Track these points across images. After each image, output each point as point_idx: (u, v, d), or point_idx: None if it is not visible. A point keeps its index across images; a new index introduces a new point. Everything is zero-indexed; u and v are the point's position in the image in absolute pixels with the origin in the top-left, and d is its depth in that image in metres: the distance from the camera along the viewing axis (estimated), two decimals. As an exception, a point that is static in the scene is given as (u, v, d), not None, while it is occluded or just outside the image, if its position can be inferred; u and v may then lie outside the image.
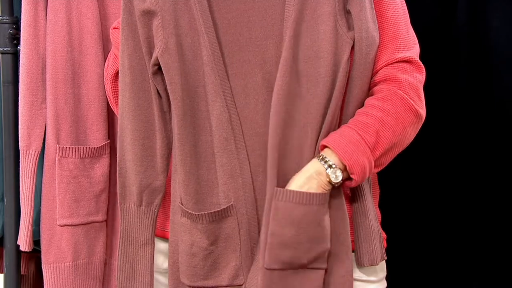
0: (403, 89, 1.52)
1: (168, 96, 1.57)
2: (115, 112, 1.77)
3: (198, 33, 1.53)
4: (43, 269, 1.93)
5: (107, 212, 2.00)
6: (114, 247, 2.00)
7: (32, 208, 1.91)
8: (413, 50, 1.58)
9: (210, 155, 1.54)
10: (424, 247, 2.21)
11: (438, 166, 2.19)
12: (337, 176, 1.47)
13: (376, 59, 1.55)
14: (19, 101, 1.90)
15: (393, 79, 1.54)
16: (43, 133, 1.91)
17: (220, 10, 1.54)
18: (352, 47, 1.52)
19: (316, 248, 1.46)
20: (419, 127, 1.57)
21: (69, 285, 1.94)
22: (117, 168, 1.62)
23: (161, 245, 1.69)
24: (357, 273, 1.60)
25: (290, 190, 1.46)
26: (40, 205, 1.93)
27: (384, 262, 1.65)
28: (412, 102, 1.52)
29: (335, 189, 1.50)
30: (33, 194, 1.91)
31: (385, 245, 1.64)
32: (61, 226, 1.92)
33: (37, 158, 1.91)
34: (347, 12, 1.52)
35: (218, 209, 1.53)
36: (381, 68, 1.55)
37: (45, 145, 1.91)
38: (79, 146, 1.93)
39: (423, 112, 1.55)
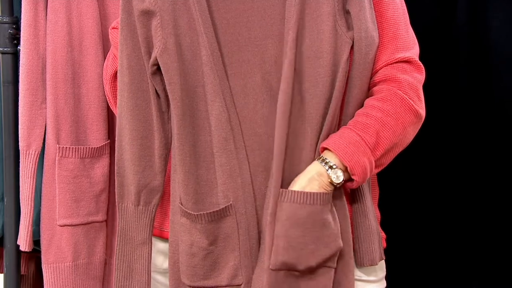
0: (402, 89, 1.52)
1: (166, 96, 1.57)
2: (114, 112, 1.77)
3: (197, 33, 1.53)
4: (43, 269, 1.94)
5: (107, 212, 2.00)
6: (114, 247, 2.00)
7: (32, 208, 1.91)
8: (413, 50, 1.58)
9: (209, 155, 1.54)
10: (423, 247, 2.21)
11: (438, 166, 2.19)
12: (338, 177, 1.47)
13: (375, 59, 1.55)
14: (19, 101, 1.90)
15: (393, 79, 1.54)
16: (43, 133, 1.91)
17: (219, 10, 1.54)
18: (352, 47, 1.52)
19: (323, 249, 1.46)
20: (419, 127, 1.57)
21: (69, 285, 1.94)
22: (115, 168, 1.62)
23: (159, 245, 1.69)
24: (357, 273, 1.60)
25: (294, 191, 1.46)
26: (40, 205, 1.93)
27: (383, 262, 1.65)
28: (412, 102, 1.52)
29: (336, 190, 1.49)
30: (33, 194, 1.91)
31: (385, 245, 1.65)
32: (61, 226, 1.92)
33: (37, 158, 1.91)
34: (347, 12, 1.52)
35: (217, 209, 1.53)
36: (381, 68, 1.55)
37: (45, 145, 1.92)
38: (79, 146, 1.93)
39: (423, 112, 1.55)
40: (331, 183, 1.47)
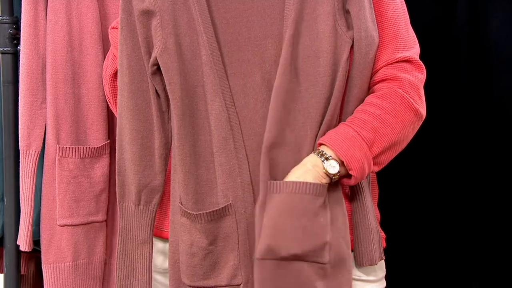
0: (403, 87, 1.52)
1: (166, 95, 1.57)
2: (113, 111, 1.77)
3: (197, 32, 1.53)
4: (43, 269, 1.94)
5: (107, 212, 2.00)
6: (114, 247, 2.00)
7: (32, 208, 1.91)
8: (413, 50, 1.58)
9: (209, 155, 1.54)
10: (423, 247, 2.21)
11: (438, 166, 2.19)
12: (333, 167, 1.46)
13: (376, 58, 1.55)
14: (19, 101, 1.90)
15: (394, 78, 1.54)
16: (43, 133, 1.91)
17: (219, 10, 1.54)
18: (352, 47, 1.52)
19: (310, 239, 1.43)
20: (419, 126, 1.57)
21: (69, 285, 1.94)
22: (116, 167, 1.62)
23: (159, 245, 1.69)
24: (357, 273, 1.60)
25: (283, 181, 1.45)
26: (40, 205, 1.93)
27: (383, 262, 1.65)
28: (412, 101, 1.52)
29: (334, 186, 1.49)
30: (33, 194, 1.91)
31: (384, 244, 1.64)
32: (61, 226, 1.92)
33: (37, 158, 1.91)
34: (346, 12, 1.52)
35: (217, 208, 1.53)
36: (381, 68, 1.55)
37: (45, 145, 1.92)
38: (79, 146, 1.93)
39: (423, 111, 1.55)
40: (327, 174, 1.47)
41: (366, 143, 1.47)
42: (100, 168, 1.96)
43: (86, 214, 1.94)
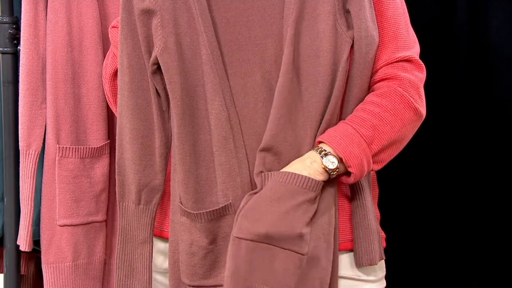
0: (403, 86, 1.53)
1: (167, 95, 1.57)
2: (113, 111, 1.77)
3: (197, 32, 1.53)
4: (43, 269, 1.94)
5: (107, 212, 2.00)
6: (114, 247, 2.00)
7: (32, 208, 1.91)
8: (413, 50, 1.58)
9: (209, 154, 1.54)
10: (423, 246, 2.21)
11: (438, 166, 2.19)
12: (332, 163, 1.46)
13: (376, 58, 1.55)
14: (19, 101, 1.90)
15: (394, 77, 1.54)
16: (43, 133, 1.91)
17: (219, 9, 1.55)
18: (352, 46, 1.52)
19: (286, 225, 1.41)
20: (419, 125, 1.57)
21: (69, 285, 1.94)
22: (116, 167, 1.62)
23: (160, 245, 1.69)
24: (357, 273, 1.59)
25: (276, 172, 1.46)
26: (40, 205, 1.93)
27: (383, 262, 1.65)
28: (412, 100, 1.52)
29: (329, 188, 1.49)
30: (33, 194, 1.91)
31: (384, 244, 1.64)
32: (61, 226, 1.92)
33: (37, 158, 1.91)
34: (347, 11, 1.52)
35: (216, 208, 1.53)
36: (381, 67, 1.56)
37: (45, 145, 1.92)
38: (79, 146, 1.93)
39: (423, 110, 1.55)
40: (325, 170, 1.47)
41: (365, 140, 1.47)
42: (100, 168, 1.96)
43: (86, 214, 1.94)
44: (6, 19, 1.94)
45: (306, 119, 1.50)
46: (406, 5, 1.61)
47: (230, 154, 1.52)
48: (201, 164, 1.55)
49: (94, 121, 1.94)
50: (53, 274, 1.93)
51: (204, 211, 1.54)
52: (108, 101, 1.78)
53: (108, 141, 1.97)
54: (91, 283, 1.98)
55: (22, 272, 2.06)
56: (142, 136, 1.58)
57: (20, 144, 1.90)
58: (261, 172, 1.48)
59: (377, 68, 1.56)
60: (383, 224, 1.68)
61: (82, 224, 1.94)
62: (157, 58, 1.54)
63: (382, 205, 1.71)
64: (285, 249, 1.42)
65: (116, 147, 1.62)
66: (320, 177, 1.46)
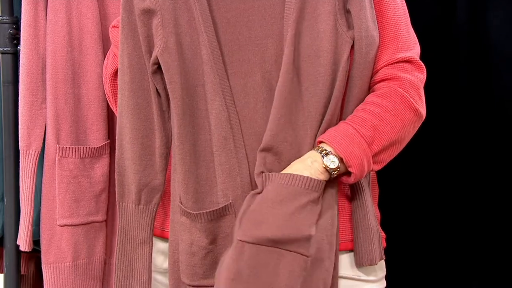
0: (403, 87, 1.53)
1: (167, 95, 1.57)
2: (113, 110, 1.77)
3: (197, 32, 1.53)
4: (43, 269, 1.94)
5: (107, 212, 2.00)
6: (114, 247, 2.00)
7: (32, 208, 1.91)
8: (414, 50, 1.58)
9: (209, 154, 1.54)
10: (423, 247, 2.21)
11: (438, 166, 2.19)
12: (333, 162, 1.46)
13: (376, 59, 1.55)
14: (19, 101, 1.90)
15: (394, 78, 1.54)
16: (43, 133, 1.91)
17: (219, 9, 1.54)
18: (352, 46, 1.52)
19: (292, 228, 1.41)
20: (418, 126, 1.57)
21: (69, 285, 1.94)
22: (116, 167, 1.62)
23: (160, 245, 1.68)
24: (357, 273, 1.59)
25: (277, 173, 1.45)
26: (40, 205, 1.93)
27: (383, 262, 1.65)
28: (412, 100, 1.52)
29: (329, 188, 1.48)
30: (33, 194, 1.91)
31: (385, 244, 1.64)
32: (61, 226, 1.92)
33: (37, 158, 1.91)
34: (347, 11, 1.52)
35: (217, 208, 1.53)
36: (382, 68, 1.56)
37: (45, 145, 1.92)
38: (79, 146, 1.93)
39: (423, 111, 1.55)
40: (326, 169, 1.46)
41: (365, 140, 1.47)
42: (100, 168, 1.96)
43: (86, 214, 1.94)
44: (6, 19, 1.94)
45: (306, 119, 1.50)
46: (406, 4, 1.61)
47: (230, 154, 1.52)
48: (201, 164, 1.55)
49: (94, 121, 1.94)
50: (53, 274, 1.93)
51: (204, 211, 1.54)
52: (108, 100, 1.78)
53: (108, 141, 1.97)
54: (91, 283, 1.98)
55: (22, 272, 2.06)
56: (142, 136, 1.58)
57: (20, 144, 1.90)
58: (262, 172, 1.48)
59: (378, 69, 1.56)
60: (383, 224, 1.68)
61: (82, 224, 1.94)
62: (157, 58, 1.54)
63: (382, 205, 1.71)
64: (291, 251, 1.41)
65: (116, 147, 1.62)
66: (322, 176, 1.46)
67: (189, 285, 1.57)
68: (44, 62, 1.90)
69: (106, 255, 2.02)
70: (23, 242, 1.90)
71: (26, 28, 1.87)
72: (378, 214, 1.68)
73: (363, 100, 1.54)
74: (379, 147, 1.49)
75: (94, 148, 1.94)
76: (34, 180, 1.91)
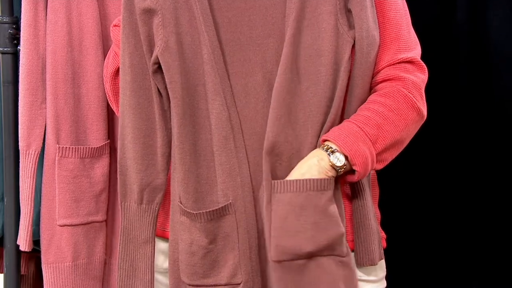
0: (406, 87, 1.53)
1: (168, 94, 1.57)
2: (114, 110, 1.77)
3: (198, 31, 1.53)
4: (43, 269, 1.94)
5: (107, 212, 2.00)
6: (114, 247, 2.00)
7: (32, 208, 1.91)
8: (415, 51, 1.58)
9: (209, 154, 1.54)
10: (423, 247, 2.21)
11: (438, 166, 2.19)
12: (339, 160, 1.46)
13: (377, 59, 1.55)
14: (19, 101, 1.90)
15: (396, 78, 1.54)
16: (43, 133, 1.91)
17: (220, 9, 1.55)
18: (353, 46, 1.52)
19: (324, 235, 1.43)
20: (419, 126, 1.57)
21: (69, 285, 1.94)
22: (118, 167, 1.61)
23: (161, 245, 1.68)
24: (357, 273, 1.59)
25: (287, 180, 1.45)
26: (40, 205, 1.93)
27: (383, 262, 1.65)
28: (415, 100, 1.52)
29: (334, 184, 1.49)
30: (33, 194, 1.91)
31: (385, 245, 1.64)
32: (61, 226, 1.92)
33: (37, 158, 1.91)
34: (348, 11, 1.52)
35: (216, 207, 1.53)
36: (383, 68, 1.56)
37: (45, 145, 1.92)
38: (79, 146, 1.93)
39: (424, 111, 1.56)
40: (333, 167, 1.47)
41: (369, 139, 1.47)
42: (100, 168, 1.96)
43: (86, 214, 1.94)
44: (6, 19, 1.94)
45: (307, 119, 1.50)
46: (406, 3, 1.61)
47: (230, 154, 1.52)
48: (201, 163, 1.55)
49: (94, 121, 1.94)
50: (53, 274, 1.93)
51: (204, 211, 1.54)
52: (109, 100, 1.78)
53: (108, 141, 1.97)
54: (91, 283, 1.98)
55: (22, 272, 2.06)
56: (144, 135, 1.58)
57: (20, 144, 1.90)
58: (270, 176, 1.48)
59: (379, 69, 1.56)
60: (383, 224, 1.69)
61: (82, 224, 1.94)
62: (158, 57, 1.54)
63: (382, 205, 1.71)
64: (327, 255, 1.45)
65: (118, 147, 1.62)
66: (330, 173, 1.47)
67: (189, 285, 1.57)
68: (44, 62, 1.90)
69: (106, 255, 2.02)
70: (23, 242, 1.90)
71: (26, 28, 1.87)
72: (378, 214, 1.68)
73: (365, 100, 1.55)
74: (383, 145, 1.49)
75: (94, 148, 1.94)
76: (34, 180, 1.91)
